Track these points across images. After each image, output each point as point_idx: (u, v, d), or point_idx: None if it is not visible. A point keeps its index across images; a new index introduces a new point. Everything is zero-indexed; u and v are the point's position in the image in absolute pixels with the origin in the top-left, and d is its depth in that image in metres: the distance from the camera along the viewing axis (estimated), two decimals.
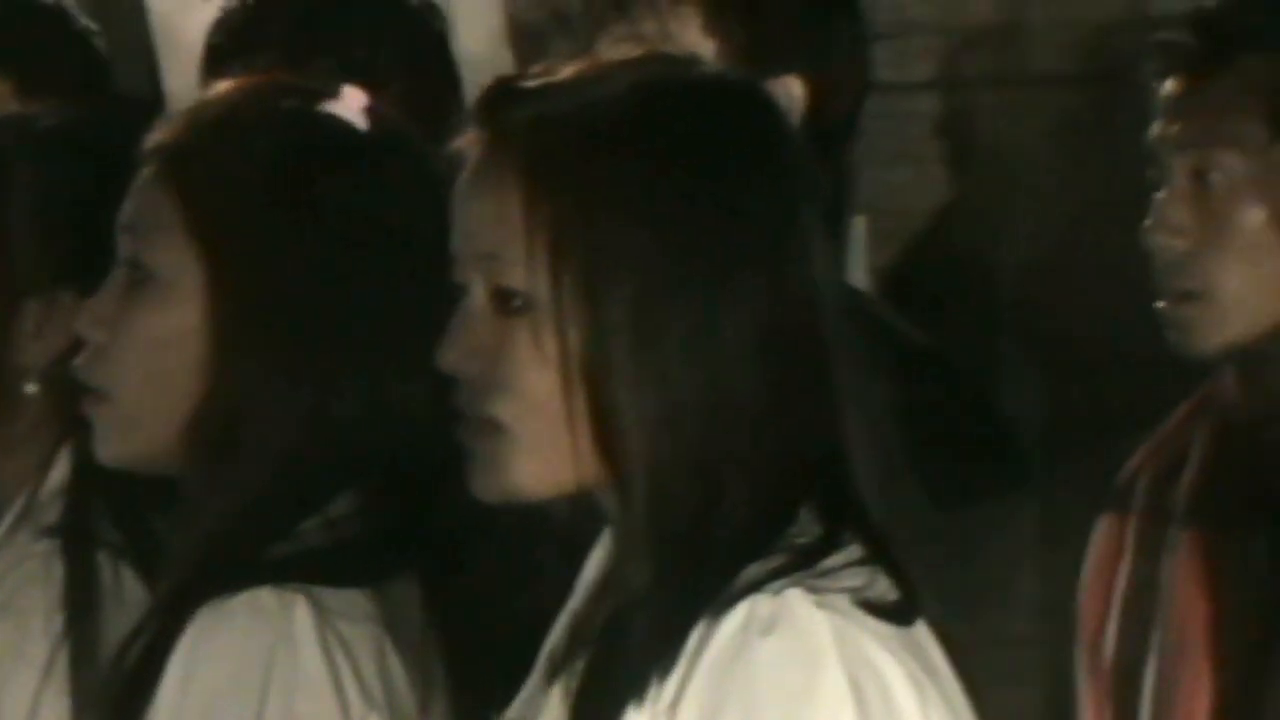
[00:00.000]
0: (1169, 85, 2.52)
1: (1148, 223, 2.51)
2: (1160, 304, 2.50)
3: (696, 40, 2.65)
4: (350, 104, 2.24)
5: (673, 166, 1.88)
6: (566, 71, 1.95)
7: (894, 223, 3.60)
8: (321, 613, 2.06)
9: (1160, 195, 2.50)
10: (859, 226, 3.43)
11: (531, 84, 1.95)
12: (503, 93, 1.95)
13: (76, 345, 2.27)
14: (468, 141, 1.92)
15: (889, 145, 3.54)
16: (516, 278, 1.88)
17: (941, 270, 3.62)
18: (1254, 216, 2.48)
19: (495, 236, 1.90)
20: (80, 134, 2.59)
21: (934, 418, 2.63)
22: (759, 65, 2.56)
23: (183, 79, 3.49)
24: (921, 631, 1.87)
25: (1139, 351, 2.58)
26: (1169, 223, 2.50)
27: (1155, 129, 2.53)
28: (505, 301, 1.89)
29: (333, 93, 2.25)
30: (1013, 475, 2.93)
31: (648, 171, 1.88)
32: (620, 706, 1.83)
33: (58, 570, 2.32)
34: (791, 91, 2.66)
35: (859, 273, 3.40)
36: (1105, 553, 2.61)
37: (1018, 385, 3.42)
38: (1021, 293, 3.53)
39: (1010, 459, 2.99)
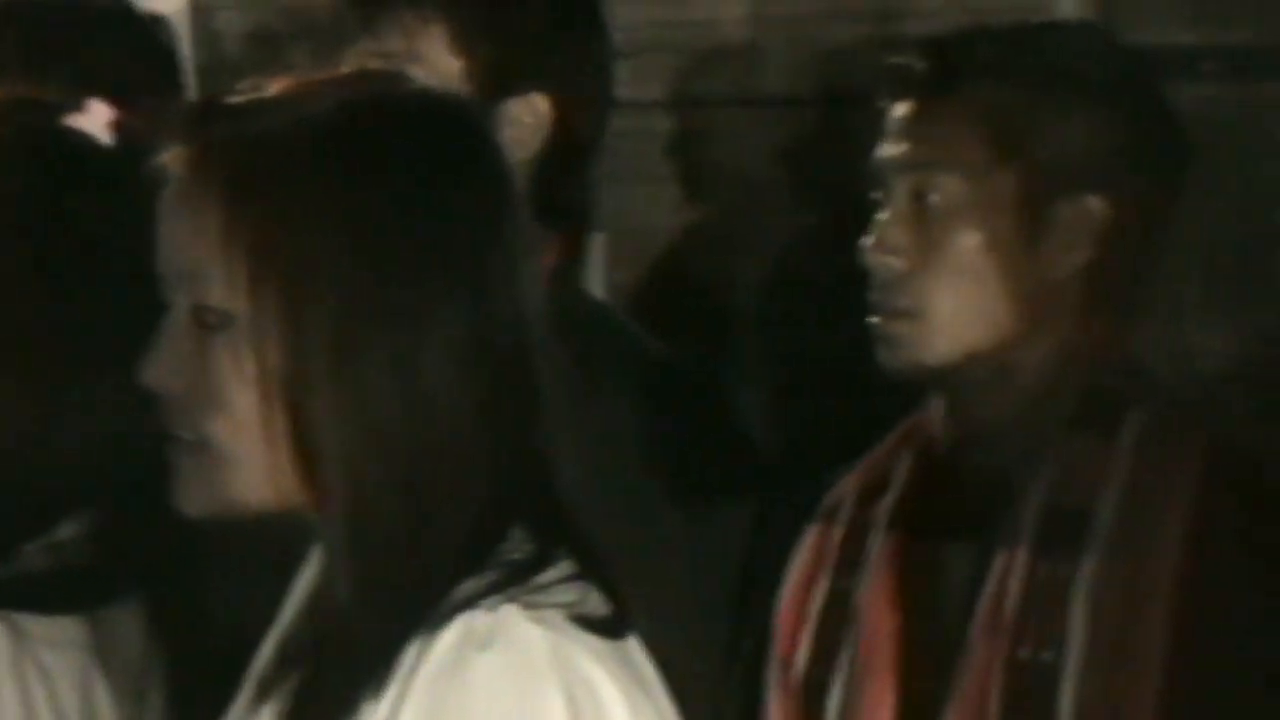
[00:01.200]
0: (897, 108, 2.54)
1: (867, 241, 2.52)
2: (874, 321, 2.52)
3: (443, 59, 2.65)
4: (94, 119, 2.20)
5: (373, 185, 1.85)
6: (273, 89, 1.92)
7: (633, 240, 3.63)
8: (20, 639, 2.03)
9: (881, 216, 2.51)
10: (600, 244, 3.47)
11: (235, 101, 1.91)
12: (205, 109, 1.92)
13: None
14: (170, 159, 1.88)
15: (628, 164, 3.53)
16: (215, 295, 1.84)
17: (678, 287, 3.66)
18: (970, 240, 2.45)
19: (194, 253, 1.85)
20: None
21: (675, 428, 2.71)
22: (505, 83, 2.63)
23: None
24: (633, 644, 1.86)
25: (866, 371, 2.58)
26: (887, 242, 2.49)
27: (880, 151, 2.54)
28: (205, 319, 1.85)
29: (75, 107, 2.22)
30: (751, 484, 2.95)
31: (347, 189, 1.84)
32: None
33: None
34: (537, 109, 2.67)
35: (598, 289, 3.44)
36: (804, 570, 2.59)
37: (748, 401, 3.45)
38: (754, 309, 3.56)
39: (748, 468, 3.02)
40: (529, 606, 1.79)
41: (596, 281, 3.44)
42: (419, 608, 1.81)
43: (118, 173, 2.15)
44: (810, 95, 3.35)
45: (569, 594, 1.82)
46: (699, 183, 3.64)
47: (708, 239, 3.60)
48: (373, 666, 1.79)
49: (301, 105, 1.88)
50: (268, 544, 1.91)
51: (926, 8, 3.23)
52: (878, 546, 2.54)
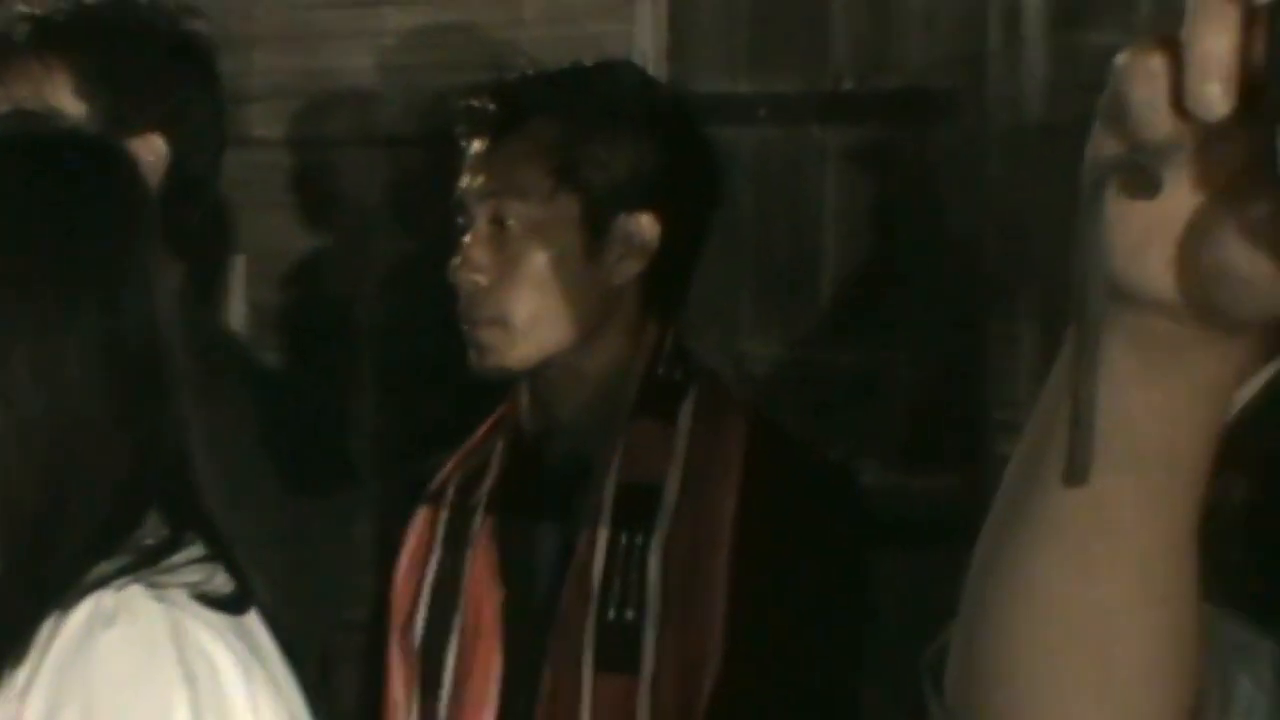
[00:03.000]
0: (474, 144, 2.55)
1: (455, 261, 2.53)
2: (464, 328, 2.51)
3: (70, 103, 2.59)
4: None
5: (15, 209, 1.87)
6: None
7: (270, 263, 3.60)
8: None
9: (466, 238, 2.52)
10: (239, 265, 3.49)
11: None
12: None
13: None
14: None
15: (266, 194, 3.56)
16: None
17: (309, 304, 3.64)
18: (540, 256, 2.47)
19: None
20: None
21: (280, 432, 2.65)
22: (125, 124, 2.55)
23: None
24: (253, 619, 1.86)
25: (456, 372, 2.57)
26: (472, 261, 2.49)
27: (462, 182, 2.55)
28: None
29: None
30: (344, 478, 3.00)
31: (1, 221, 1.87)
32: None
33: None
34: (154, 147, 2.61)
35: (239, 305, 3.46)
36: (417, 547, 2.58)
37: (365, 402, 3.47)
38: (374, 325, 3.54)
39: (342, 465, 3.07)
40: (154, 586, 1.79)
41: (238, 299, 3.45)
42: (55, 588, 1.80)
43: None
44: (419, 135, 3.36)
45: (194, 574, 1.82)
46: (326, 212, 3.64)
47: (332, 261, 3.61)
48: (12, 640, 1.79)
49: None
50: None
51: (528, 57, 3.11)
52: (478, 525, 2.55)
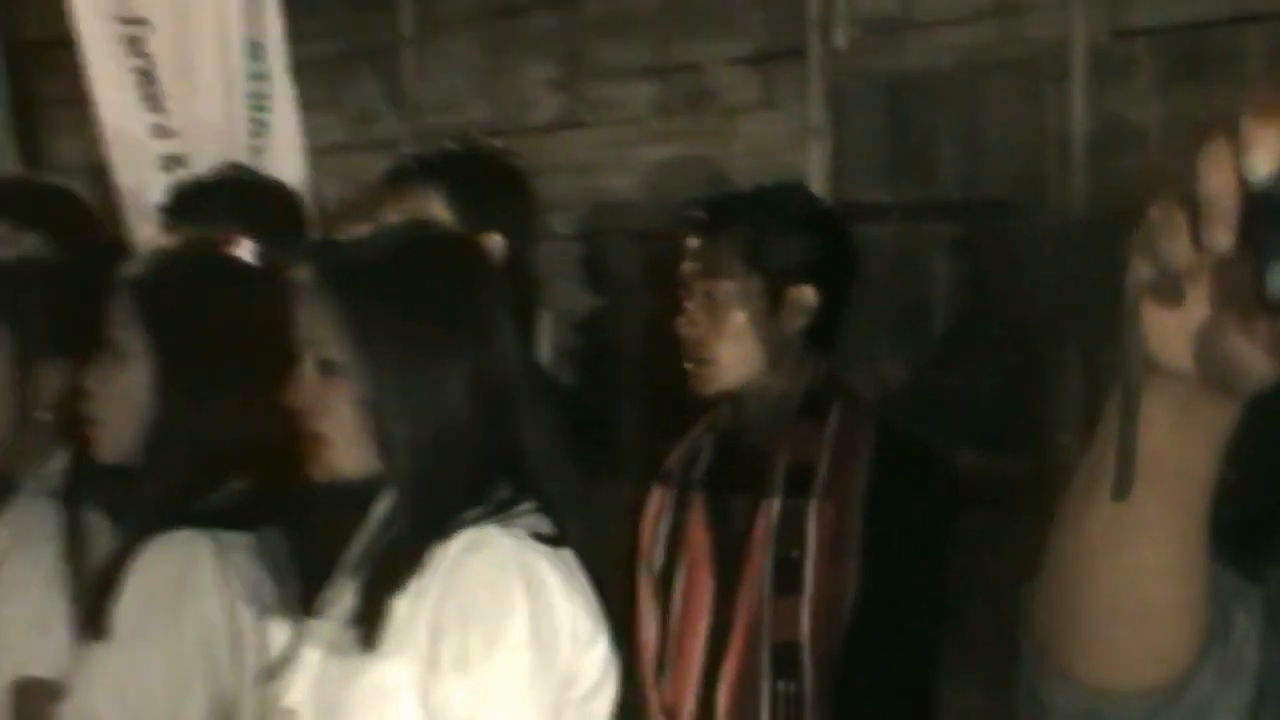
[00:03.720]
0: (693, 240, 2.51)
1: (682, 319, 2.50)
2: (688, 365, 2.49)
3: (441, 212, 2.58)
4: (244, 249, 2.22)
5: (419, 288, 1.88)
6: (360, 231, 1.96)
7: (565, 317, 3.53)
8: (219, 545, 2.02)
9: (689, 304, 2.49)
10: (547, 319, 3.36)
11: (336, 239, 1.97)
12: (323, 244, 2.00)
13: (72, 390, 2.24)
14: (300, 272, 1.91)
15: (563, 270, 3.51)
16: (331, 353, 1.88)
17: (592, 346, 3.56)
18: (737, 316, 2.45)
19: (319, 329, 1.89)
20: (71, 266, 2.52)
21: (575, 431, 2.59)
22: (477, 227, 2.52)
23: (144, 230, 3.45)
24: (569, 554, 1.87)
25: (681, 392, 2.54)
26: (692, 320, 2.48)
27: (685, 267, 2.51)
28: (325, 367, 1.88)
29: (234, 243, 2.23)
30: (614, 462, 2.97)
31: (404, 291, 1.87)
32: (390, 594, 1.82)
33: (58, 518, 2.26)
34: (496, 243, 2.59)
35: (547, 345, 3.35)
36: (655, 508, 2.56)
37: (625, 411, 3.38)
38: (631, 358, 3.45)
39: (612, 453, 3.06)
40: (504, 527, 1.82)
41: (546, 341, 3.29)
42: (439, 525, 1.82)
43: (254, 280, 2.17)
44: (664, 231, 3.20)
45: (530, 521, 1.84)
46: (602, 283, 3.56)
47: (606, 316, 3.53)
48: (411, 560, 1.81)
49: (376, 242, 1.92)
50: (350, 498, 1.92)
51: (736, 178, 3.22)
52: (695, 492, 2.53)
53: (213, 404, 2.08)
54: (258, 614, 1.99)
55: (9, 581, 2.28)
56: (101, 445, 2.15)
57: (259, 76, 3.68)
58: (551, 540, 1.84)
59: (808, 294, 2.47)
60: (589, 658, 1.86)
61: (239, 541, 2.02)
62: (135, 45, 3.77)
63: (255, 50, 3.67)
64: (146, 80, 3.77)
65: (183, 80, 3.75)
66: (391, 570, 1.82)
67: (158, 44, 3.75)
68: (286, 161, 3.61)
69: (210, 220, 2.68)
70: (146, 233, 3.32)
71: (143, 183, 3.75)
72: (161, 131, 3.79)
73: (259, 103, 3.68)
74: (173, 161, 3.78)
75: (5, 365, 2.37)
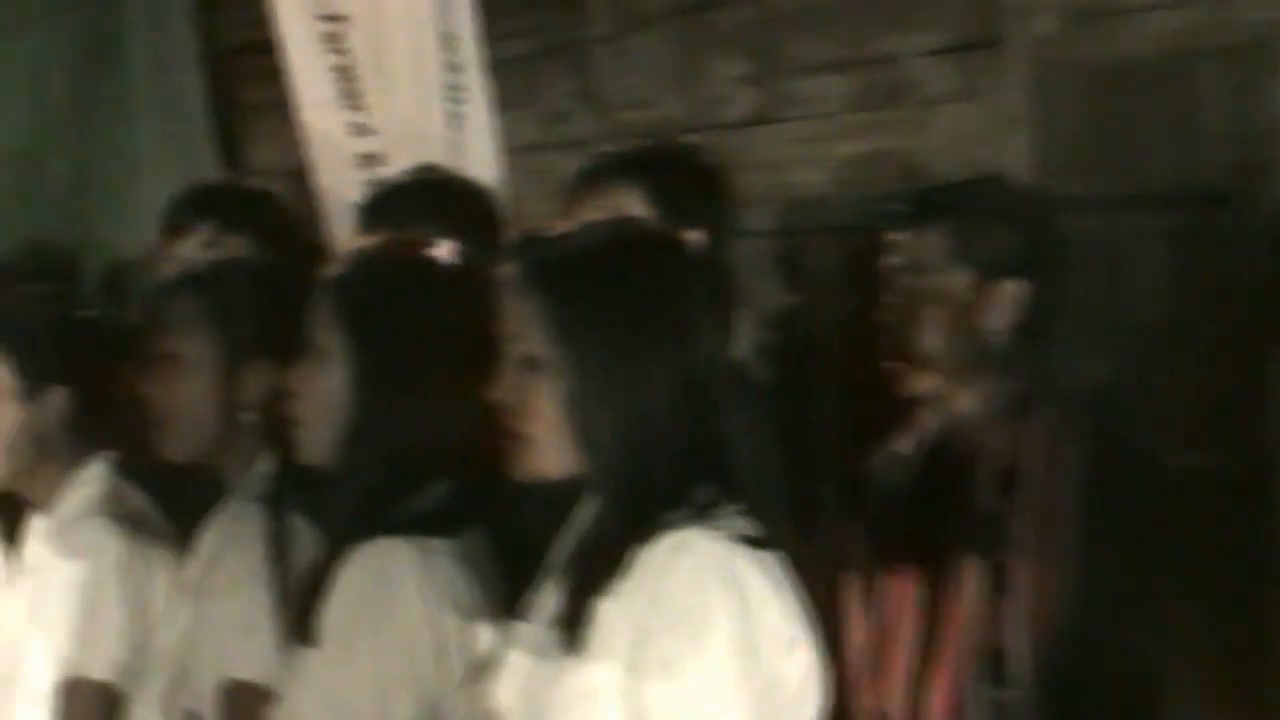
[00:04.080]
0: (896, 235, 2.48)
1: (883, 312, 2.47)
2: (888, 365, 2.47)
3: (641, 209, 2.57)
4: (443, 250, 2.20)
5: (623, 284, 1.87)
6: (564, 226, 1.95)
7: (759, 314, 3.40)
8: (421, 552, 2.01)
9: (890, 301, 2.46)
10: (742, 318, 3.41)
11: (540, 235, 1.95)
12: (528, 239, 1.95)
13: (276, 392, 2.26)
14: (505, 268, 1.91)
15: (757, 267, 3.47)
16: (534, 349, 1.87)
17: (796, 348, 3.50)
18: (942, 312, 2.42)
19: (523, 325, 1.88)
20: (275, 268, 2.54)
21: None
22: (677, 224, 2.52)
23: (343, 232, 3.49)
24: (773, 558, 1.85)
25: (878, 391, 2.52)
26: (894, 317, 2.46)
27: (889, 260, 2.48)
28: (528, 364, 1.87)
29: (433, 243, 2.22)
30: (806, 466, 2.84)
31: (607, 287, 1.87)
32: (594, 596, 1.81)
33: (264, 522, 2.28)
34: (697, 240, 2.57)
35: (742, 346, 3.37)
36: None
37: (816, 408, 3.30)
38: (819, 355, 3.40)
39: (809, 450, 2.90)
40: (707, 529, 1.80)
41: (744, 338, 3.23)
42: (643, 528, 1.81)
43: (454, 279, 2.17)
44: (858, 228, 3.12)
45: (734, 523, 1.82)
46: (784, 279, 3.52)
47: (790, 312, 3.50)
48: (615, 563, 1.81)
49: (581, 236, 1.91)
50: (553, 499, 1.93)
51: (934, 171, 3.20)
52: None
53: (412, 405, 2.08)
54: (462, 619, 1.99)
55: (218, 584, 2.32)
56: (305, 447, 2.16)
57: (454, 68, 3.69)
58: (756, 543, 1.82)
59: (1016, 290, 2.43)
60: (794, 663, 1.83)
61: (441, 547, 2.02)
62: (335, 42, 3.82)
63: (449, 42, 3.69)
64: (346, 77, 3.82)
65: (380, 75, 3.80)
66: (595, 573, 1.82)
67: (357, 39, 3.79)
68: (481, 161, 3.63)
69: (406, 221, 2.67)
70: (346, 234, 3.35)
71: (342, 183, 3.79)
72: (360, 130, 3.83)
73: (455, 94, 3.70)
74: (371, 160, 3.82)
75: (212, 368, 2.41)
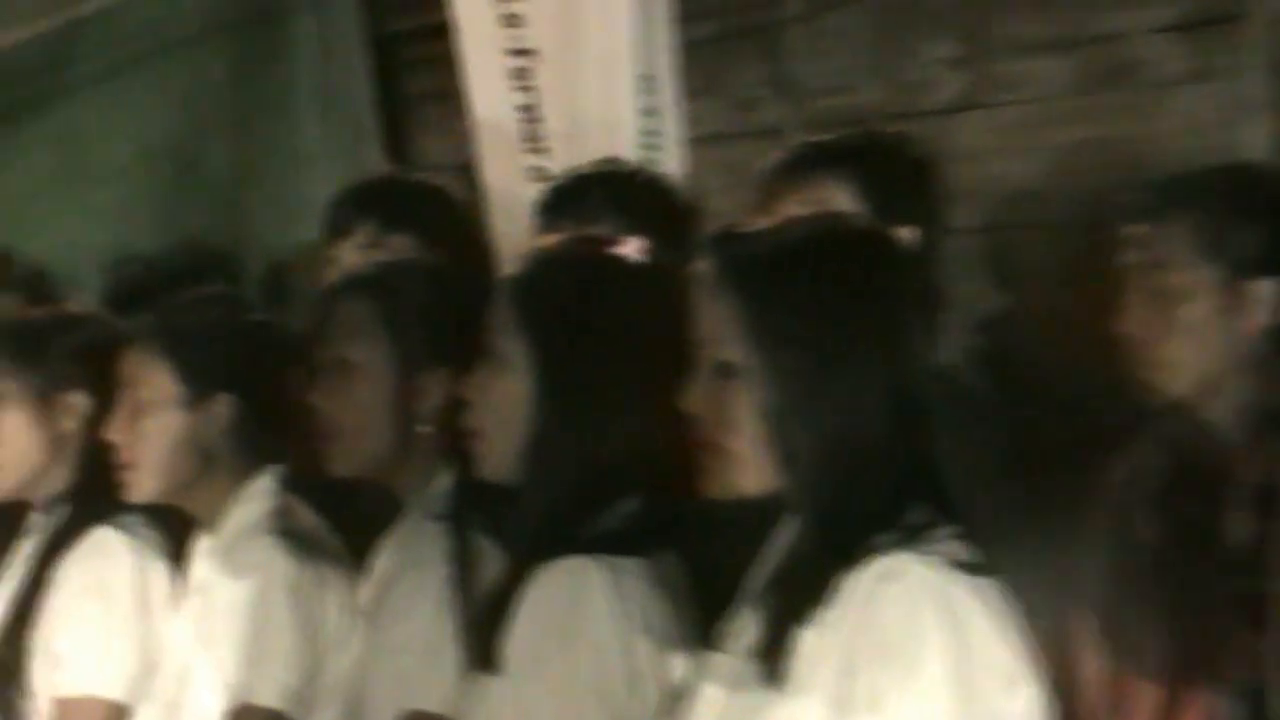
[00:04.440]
0: (1130, 228, 2.44)
1: (1118, 316, 2.43)
2: (1124, 370, 2.43)
3: (849, 203, 2.54)
4: (631, 248, 2.21)
5: (829, 286, 1.85)
6: (763, 222, 1.95)
7: (961, 318, 3.33)
8: (611, 571, 2.02)
9: (1128, 301, 2.42)
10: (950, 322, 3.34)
11: (737, 231, 1.94)
12: (724, 237, 1.94)
13: (453, 402, 2.28)
14: (700, 267, 1.90)
15: (964, 268, 3.33)
16: (731, 355, 1.86)
17: (1009, 354, 3.42)
18: (1190, 315, 2.38)
19: (718, 329, 1.87)
20: (448, 269, 2.58)
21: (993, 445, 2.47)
22: (889, 219, 2.42)
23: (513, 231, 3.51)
24: (990, 584, 1.82)
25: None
26: (1133, 319, 2.41)
27: (1123, 258, 2.44)
28: (724, 371, 1.86)
29: (620, 242, 2.22)
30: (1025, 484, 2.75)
31: (813, 289, 1.85)
32: (796, 626, 1.80)
33: (445, 542, 2.30)
34: (909, 238, 2.49)
35: (950, 352, 3.31)
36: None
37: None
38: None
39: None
40: (919, 554, 1.79)
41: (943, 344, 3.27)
42: (849, 552, 1.80)
43: (644, 279, 2.18)
44: (1076, 223, 3.15)
45: (949, 547, 1.81)
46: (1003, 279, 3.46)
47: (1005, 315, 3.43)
48: (819, 589, 1.79)
49: (782, 234, 1.91)
50: (751, 518, 1.91)
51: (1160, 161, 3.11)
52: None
53: (600, 415, 2.09)
54: (655, 644, 2.00)
55: (396, 607, 2.35)
56: (485, 461, 2.18)
57: (650, 112, 3.68)
58: (973, 569, 1.81)
59: (1271, 289, 2.38)
60: (1015, 701, 1.81)
61: (632, 567, 2.03)
62: (513, 25, 3.81)
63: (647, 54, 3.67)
64: (521, 75, 3.82)
65: (564, 84, 3.78)
66: (797, 600, 1.81)
67: (538, 28, 3.79)
68: (670, 153, 3.61)
69: (590, 217, 2.71)
70: (516, 233, 3.36)
71: (512, 180, 3.80)
72: (535, 130, 3.83)
73: (651, 140, 3.67)
74: (544, 156, 3.81)
75: (385, 376, 2.44)
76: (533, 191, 3.32)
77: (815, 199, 2.52)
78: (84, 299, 3.45)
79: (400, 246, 2.99)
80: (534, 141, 3.77)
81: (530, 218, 2.99)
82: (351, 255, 3.06)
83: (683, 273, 1.96)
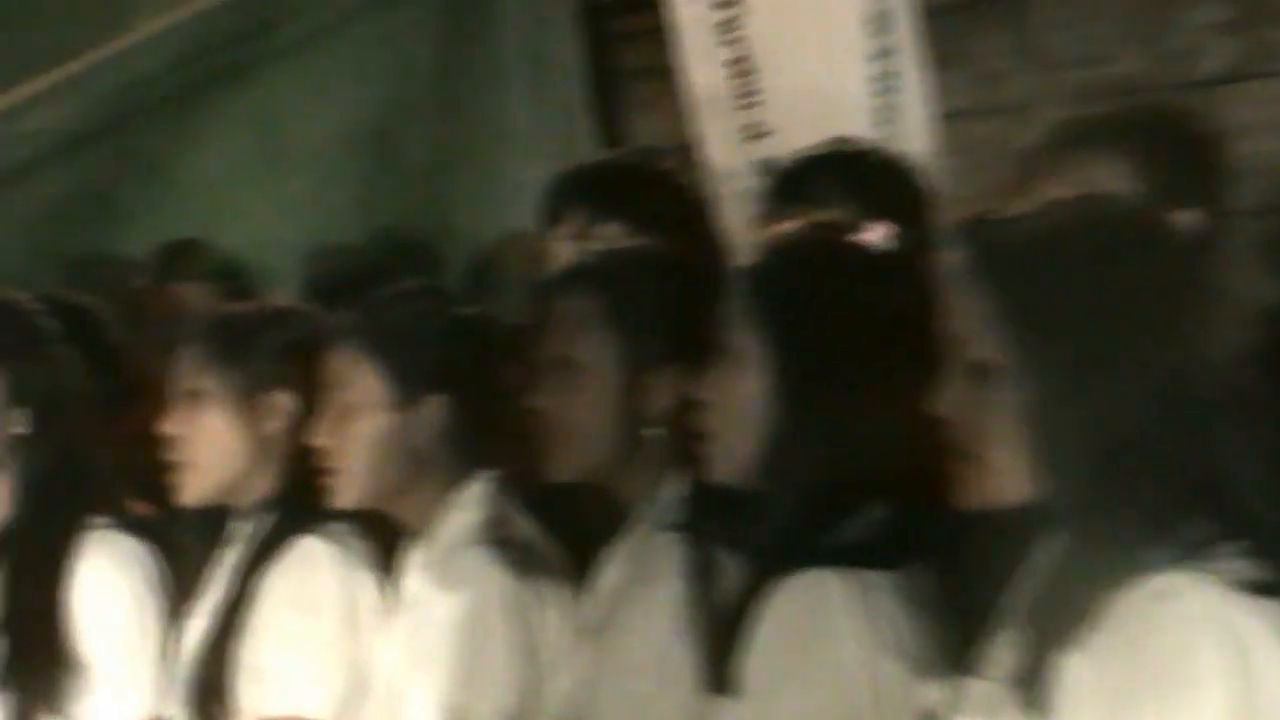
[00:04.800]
0: None
1: None
2: None
3: (1121, 184, 2.49)
4: (875, 234, 2.20)
5: (1095, 276, 1.83)
6: (1021, 206, 1.92)
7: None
8: (857, 587, 2.01)
9: None
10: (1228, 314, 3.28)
11: (995, 218, 1.92)
12: (976, 224, 1.92)
13: (684, 402, 2.27)
14: (952, 256, 1.89)
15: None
16: (985, 353, 1.84)
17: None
18: None
19: (971, 324, 1.86)
20: (683, 257, 2.58)
21: None
22: (1167, 202, 2.40)
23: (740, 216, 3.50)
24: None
25: None
26: None
27: None
28: (977, 370, 1.85)
29: (861, 228, 2.21)
30: None
31: (1077, 279, 1.83)
32: (1059, 651, 1.78)
33: (678, 554, 2.29)
34: (1190, 222, 2.47)
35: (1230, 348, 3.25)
36: None
37: None
38: None
39: None
40: (1199, 572, 1.75)
41: None
42: (1118, 570, 1.77)
43: (889, 269, 2.16)
44: None
45: (1230, 566, 1.76)
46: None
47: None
48: (1084, 611, 1.77)
49: (1041, 219, 1.88)
50: (1009, 531, 1.87)
51: None
52: None
53: (843, 416, 2.09)
54: (905, 666, 2.00)
55: (625, 625, 2.36)
56: (718, 465, 2.18)
57: (885, 85, 3.66)
58: (1260, 590, 1.76)
59: None
60: None
61: (880, 581, 2.03)
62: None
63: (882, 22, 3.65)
64: (729, 26, 3.81)
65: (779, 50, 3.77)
66: (1061, 623, 1.79)
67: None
68: (912, 130, 3.59)
69: (825, 201, 2.69)
70: (742, 218, 3.37)
71: (736, 160, 3.80)
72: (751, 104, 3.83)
73: (886, 115, 3.65)
74: (763, 134, 3.82)
75: (610, 375, 2.45)
76: (749, 153, 3.31)
77: (1080, 179, 2.48)
78: (285, 293, 3.49)
79: (612, 235, 3.00)
80: (747, 97, 3.76)
81: (756, 201, 2.99)
82: (561, 246, 3.09)
83: (932, 263, 1.97)
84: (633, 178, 3.25)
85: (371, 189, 4.90)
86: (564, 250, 3.11)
